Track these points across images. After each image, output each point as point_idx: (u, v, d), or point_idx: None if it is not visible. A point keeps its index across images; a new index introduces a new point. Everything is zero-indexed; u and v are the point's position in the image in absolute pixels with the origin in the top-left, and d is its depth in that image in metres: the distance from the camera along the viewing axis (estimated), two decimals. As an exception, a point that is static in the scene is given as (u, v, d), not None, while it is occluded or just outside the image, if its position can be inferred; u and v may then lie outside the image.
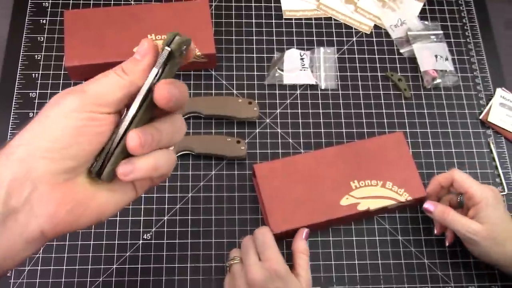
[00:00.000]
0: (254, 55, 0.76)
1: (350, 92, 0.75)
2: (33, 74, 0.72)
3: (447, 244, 0.65)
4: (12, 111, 0.70)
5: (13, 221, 0.31)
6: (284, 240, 0.64)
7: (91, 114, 0.33)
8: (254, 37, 0.77)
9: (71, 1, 0.78)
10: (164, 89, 0.34)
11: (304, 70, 0.75)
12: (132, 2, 0.78)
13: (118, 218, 0.65)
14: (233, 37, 0.77)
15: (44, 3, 0.77)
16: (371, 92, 0.75)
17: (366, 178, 0.65)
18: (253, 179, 0.67)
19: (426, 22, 0.80)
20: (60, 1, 0.78)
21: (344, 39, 0.79)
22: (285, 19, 0.79)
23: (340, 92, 0.75)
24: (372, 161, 0.66)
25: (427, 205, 0.62)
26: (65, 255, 0.62)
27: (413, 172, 0.66)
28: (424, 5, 0.82)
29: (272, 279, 0.53)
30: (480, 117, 0.74)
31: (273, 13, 0.80)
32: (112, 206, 0.36)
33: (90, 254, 0.63)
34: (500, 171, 0.71)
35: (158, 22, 0.72)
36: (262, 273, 0.52)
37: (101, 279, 0.62)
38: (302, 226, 0.62)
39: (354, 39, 0.79)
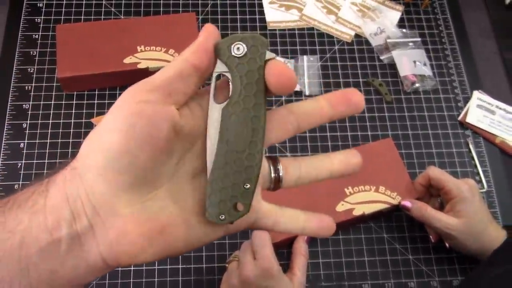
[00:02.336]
0: (240, 64, 0.79)
1: (334, 97, 0.78)
2: (26, 87, 0.75)
3: (432, 241, 0.67)
4: (6, 122, 0.72)
5: (78, 245, 0.27)
6: (285, 250, 0.65)
7: (139, 107, 0.27)
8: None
9: (62, 17, 0.81)
10: (278, 66, 0.28)
11: (289, 77, 0.77)
12: (122, 16, 0.81)
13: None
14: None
15: (36, 19, 0.80)
16: (353, 97, 0.78)
17: (360, 184, 0.67)
18: None
19: (404, 30, 0.84)
20: (52, 17, 0.80)
21: (327, 47, 0.82)
22: (269, 29, 0.83)
23: (323, 97, 0.77)
24: (365, 167, 0.67)
25: (405, 202, 0.64)
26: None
27: (404, 176, 0.68)
28: (402, 14, 0.86)
29: (264, 277, 0.54)
30: (459, 118, 0.77)
31: (257, 24, 0.83)
32: (184, 244, 0.30)
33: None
34: (479, 169, 0.74)
35: (147, 34, 0.75)
36: (254, 271, 0.54)
37: (94, 281, 0.63)
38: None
39: (336, 47, 0.82)
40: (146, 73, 0.73)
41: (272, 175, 0.32)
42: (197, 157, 0.30)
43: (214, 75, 0.29)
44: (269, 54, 0.29)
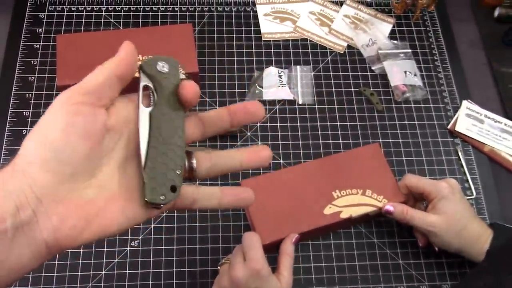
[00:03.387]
0: (235, 74, 0.81)
1: (326, 106, 0.80)
2: (27, 95, 0.77)
3: (420, 245, 0.68)
4: (7, 128, 0.74)
5: (21, 234, 0.30)
6: (275, 253, 0.66)
7: (76, 107, 0.32)
8: (235, 58, 0.83)
9: (63, 28, 0.83)
10: (189, 85, 0.36)
11: (282, 86, 0.80)
12: (121, 27, 0.84)
13: (107, 227, 0.68)
14: (216, 58, 0.83)
15: (38, 30, 0.83)
16: (345, 106, 0.80)
17: (347, 188, 0.69)
18: None
19: (396, 42, 0.86)
20: (53, 28, 0.83)
21: (320, 58, 0.84)
22: (264, 40, 0.85)
23: (316, 106, 0.80)
24: (352, 171, 0.70)
25: (387, 206, 0.66)
26: (56, 262, 0.65)
27: (390, 179, 0.69)
28: (394, 26, 0.89)
29: (253, 278, 0.55)
30: (448, 127, 0.79)
31: (252, 35, 0.85)
32: (118, 225, 0.34)
33: (80, 261, 0.66)
34: (468, 177, 0.75)
35: (146, 44, 0.77)
36: (244, 272, 0.55)
37: (90, 284, 0.65)
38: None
39: (329, 58, 0.84)
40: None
41: (187, 165, 0.37)
42: (123, 148, 0.36)
43: (141, 85, 0.36)
44: (182, 75, 0.37)
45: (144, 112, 0.36)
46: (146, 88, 0.36)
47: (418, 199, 0.69)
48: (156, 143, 0.35)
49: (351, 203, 0.68)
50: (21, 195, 0.31)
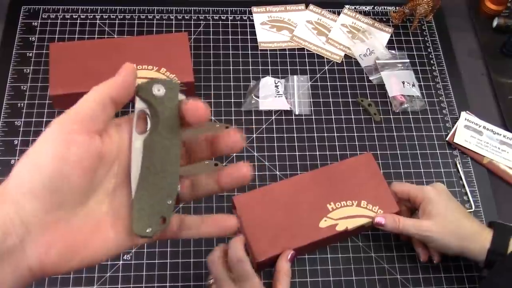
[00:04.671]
0: (231, 83, 0.80)
1: (323, 117, 0.79)
2: (19, 104, 0.75)
3: (422, 260, 0.67)
4: (-2, 138, 0.72)
5: (5, 260, 0.30)
6: (270, 268, 0.65)
7: (69, 136, 0.32)
8: (231, 67, 0.82)
9: (56, 36, 0.82)
10: (194, 102, 0.34)
11: (279, 96, 0.79)
12: (115, 36, 0.83)
13: (99, 240, 0.66)
14: (211, 67, 0.81)
15: (30, 38, 0.81)
16: (343, 117, 0.79)
17: (342, 199, 0.67)
18: (233, 210, 0.68)
19: (394, 52, 0.85)
20: (46, 36, 0.82)
21: (317, 68, 0.83)
22: (261, 50, 0.84)
23: (313, 117, 0.78)
24: (346, 183, 0.69)
25: (378, 219, 0.65)
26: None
27: (384, 190, 0.68)
28: (392, 36, 0.88)
29: None
30: (447, 138, 0.78)
31: (249, 44, 0.84)
32: (105, 253, 0.34)
33: (71, 275, 0.64)
34: (467, 189, 0.74)
35: (140, 53, 0.76)
36: None
37: (81, 299, 0.63)
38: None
39: (326, 67, 0.83)
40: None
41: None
42: (114, 177, 0.35)
43: (136, 111, 0.35)
44: (180, 96, 0.35)
45: (138, 140, 0.35)
46: (141, 113, 0.35)
47: (412, 210, 0.68)
48: (147, 173, 0.34)
49: (346, 215, 0.67)
50: (7, 222, 0.30)
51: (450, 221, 0.62)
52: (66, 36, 0.82)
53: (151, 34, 0.83)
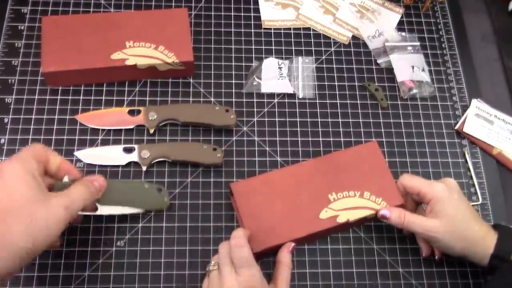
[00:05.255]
0: (233, 63, 0.77)
1: (328, 101, 0.75)
2: (10, 80, 0.72)
3: (424, 255, 0.64)
4: (-13, 116, 0.69)
5: None
6: (268, 258, 0.63)
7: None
8: (233, 46, 0.78)
9: (50, 9, 0.78)
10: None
11: (282, 79, 0.75)
12: (112, 10, 0.79)
13: (91, 225, 0.64)
14: (212, 46, 0.78)
15: (22, 10, 0.77)
16: (348, 101, 0.76)
17: (344, 190, 0.65)
18: (230, 197, 0.66)
19: (404, 34, 0.81)
20: (39, 8, 0.78)
21: (323, 49, 0.79)
22: (264, 28, 0.80)
23: (317, 101, 0.75)
24: (349, 172, 0.66)
25: (383, 211, 0.62)
26: (36, 261, 0.62)
27: (389, 181, 0.66)
28: (402, 16, 0.83)
29: None
30: (456, 127, 0.75)
31: (252, 22, 0.80)
32: None
33: (62, 261, 0.62)
34: (475, 181, 0.71)
35: (137, 29, 0.72)
36: (235, 286, 0.52)
37: (72, 286, 0.61)
38: (282, 242, 0.61)
39: (332, 49, 0.79)
40: (134, 69, 0.70)
41: None
42: None
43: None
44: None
45: None
46: None
47: (418, 203, 0.65)
48: None
49: (348, 207, 0.64)
50: None
51: (459, 224, 0.59)
52: (60, 8, 0.78)
53: (149, 9, 0.79)
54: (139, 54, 0.71)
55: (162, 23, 0.73)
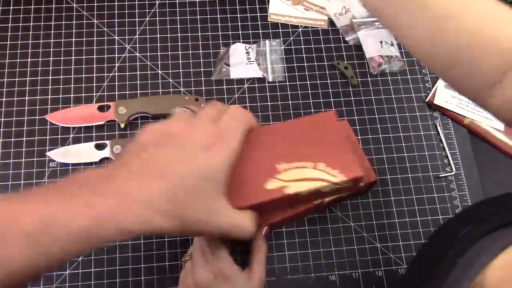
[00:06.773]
0: (200, 51, 0.76)
1: (298, 83, 0.75)
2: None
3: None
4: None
5: None
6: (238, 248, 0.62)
7: None
8: (199, 33, 0.77)
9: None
10: None
11: (250, 63, 0.75)
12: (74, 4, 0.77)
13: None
14: (179, 34, 0.77)
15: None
16: (318, 82, 0.75)
17: (295, 160, 0.58)
18: None
19: (371, 9, 0.81)
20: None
21: (290, 30, 0.79)
22: (230, 14, 0.79)
23: (287, 83, 0.75)
24: (303, 142, 0.59)
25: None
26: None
27: (347, 152, 0.59)
28: (368, -8, 0.83)
29: (218, 282, 0.52)
30: (426, 100, 0.75)
31: (217, 8, 0.79)
32: None
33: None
34: (448, 152, 0.72)
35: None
36: (207, 276, 0.52)
37: (53, 286, 0.61)
38: None
39: (300, 29, 0.79)
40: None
41: None
42: None
43: None
44: None
45: None
46: None
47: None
48: None
49: (299, 178, 0.57)
50: None
51: None
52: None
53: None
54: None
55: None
